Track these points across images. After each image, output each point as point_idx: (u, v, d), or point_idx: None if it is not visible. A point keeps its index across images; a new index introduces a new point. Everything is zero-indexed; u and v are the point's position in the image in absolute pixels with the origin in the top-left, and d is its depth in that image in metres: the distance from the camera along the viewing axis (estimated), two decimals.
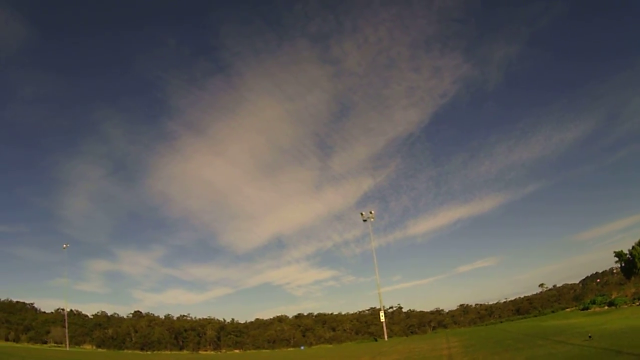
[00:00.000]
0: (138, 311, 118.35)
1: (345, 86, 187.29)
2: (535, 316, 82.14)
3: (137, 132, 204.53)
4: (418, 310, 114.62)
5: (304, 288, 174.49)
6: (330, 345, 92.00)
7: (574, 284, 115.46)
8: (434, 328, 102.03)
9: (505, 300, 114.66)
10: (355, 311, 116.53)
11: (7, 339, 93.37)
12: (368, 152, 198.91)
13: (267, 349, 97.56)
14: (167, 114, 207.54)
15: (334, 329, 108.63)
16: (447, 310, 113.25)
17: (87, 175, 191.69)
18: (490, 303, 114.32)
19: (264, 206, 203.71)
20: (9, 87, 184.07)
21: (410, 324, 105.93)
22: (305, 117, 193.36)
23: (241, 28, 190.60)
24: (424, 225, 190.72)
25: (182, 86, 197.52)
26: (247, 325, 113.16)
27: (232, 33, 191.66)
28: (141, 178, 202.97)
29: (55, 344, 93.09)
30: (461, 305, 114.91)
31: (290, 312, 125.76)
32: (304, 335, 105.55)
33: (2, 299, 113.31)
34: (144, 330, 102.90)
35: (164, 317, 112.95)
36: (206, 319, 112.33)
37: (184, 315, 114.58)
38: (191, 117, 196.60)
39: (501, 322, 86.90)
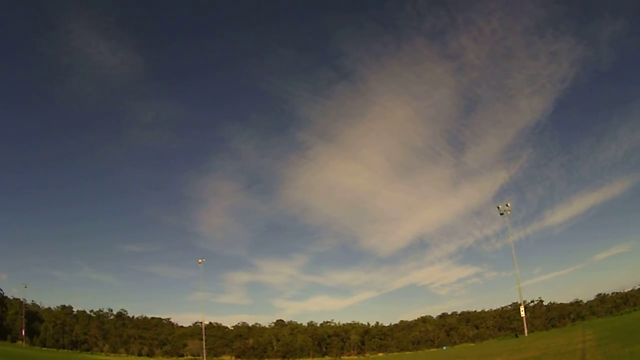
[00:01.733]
0: (280, 320, 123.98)
1: (469, 80, 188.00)
2: None
3: (268, 145, 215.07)
4: (558, 302, 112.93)
5: (447, 287, 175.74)
6: (472, 344, 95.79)
7: None
8: (573, 320, 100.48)
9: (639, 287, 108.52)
10: (498, 307, 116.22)
11: (140, 354, 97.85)
12: (499, 144, 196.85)
13: (411, 350, 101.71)
14: (295, 125, 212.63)
15: (477, 327, 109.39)
16: (585, 301, 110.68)
17: (221, 191, 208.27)
18: (626, 291, 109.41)
19: (403, 207, 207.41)
20: (130, 113, 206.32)
21: (550, 317, 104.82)
22: (434, 114, 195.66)
23: (355, 33, 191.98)
24: (560, 215, 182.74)
25: (307, 96, 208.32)
26: (391, 328, 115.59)
27: (347, 39, 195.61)
28: (277, 189, 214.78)
29: (192, 357, 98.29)
30: (598, 295, 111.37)
31: (435, 312, 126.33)
32: (448, 335, 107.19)
33: (136, 316, 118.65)
34: (286, 338, 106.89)
35: (306, 324, 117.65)
36: (350, 323, 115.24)
37: (327, 322, 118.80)
38: (320, 125, 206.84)
39: (635, 310, 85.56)
